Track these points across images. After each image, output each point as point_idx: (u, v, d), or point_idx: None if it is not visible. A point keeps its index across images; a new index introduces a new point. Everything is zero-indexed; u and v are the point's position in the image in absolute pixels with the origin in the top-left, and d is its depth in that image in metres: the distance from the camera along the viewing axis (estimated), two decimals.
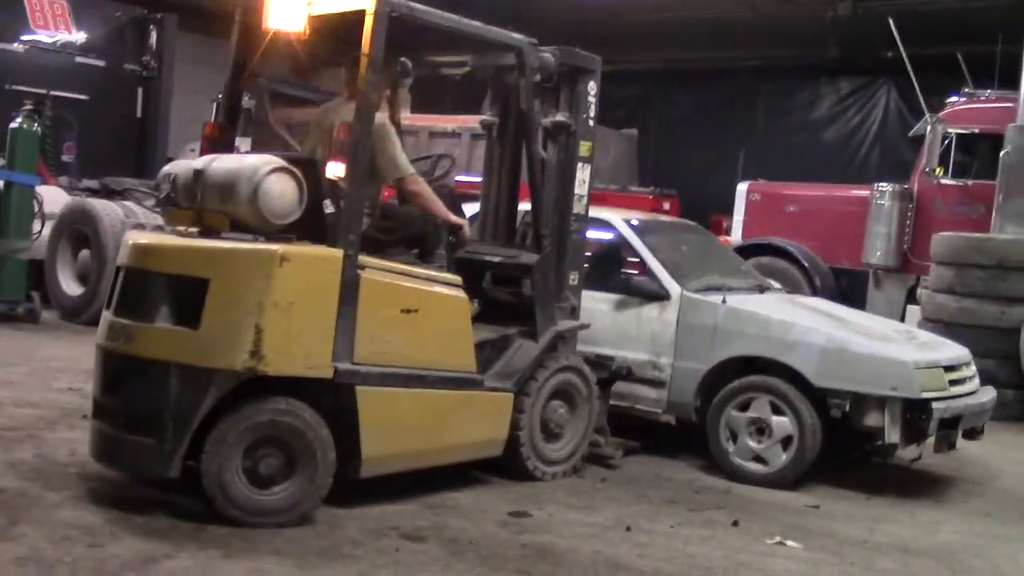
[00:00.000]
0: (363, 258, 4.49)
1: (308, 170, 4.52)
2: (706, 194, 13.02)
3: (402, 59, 5.53)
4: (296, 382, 4.29)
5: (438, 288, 4.86)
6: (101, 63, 12.15)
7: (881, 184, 10.67)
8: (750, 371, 5.85)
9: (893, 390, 5.56)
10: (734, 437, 5.80)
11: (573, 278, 5.72)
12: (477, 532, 4.41)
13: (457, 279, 4.98)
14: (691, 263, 6.66)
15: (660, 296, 6.13)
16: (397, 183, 5.04)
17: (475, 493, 5.02)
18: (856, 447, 6.02)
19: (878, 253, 10.51)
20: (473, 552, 4.15)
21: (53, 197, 9.74)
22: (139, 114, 12.33)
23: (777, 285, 7.33)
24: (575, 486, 5.35)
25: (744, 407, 5.79)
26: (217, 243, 4.40)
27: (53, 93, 11.26)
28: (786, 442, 5.66)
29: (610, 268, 6.66)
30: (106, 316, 4.53)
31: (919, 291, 9.88)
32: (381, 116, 4.95)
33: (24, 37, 11.79)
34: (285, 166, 4.39)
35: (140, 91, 12.29)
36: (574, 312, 5.72)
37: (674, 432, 6.51)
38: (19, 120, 9.17)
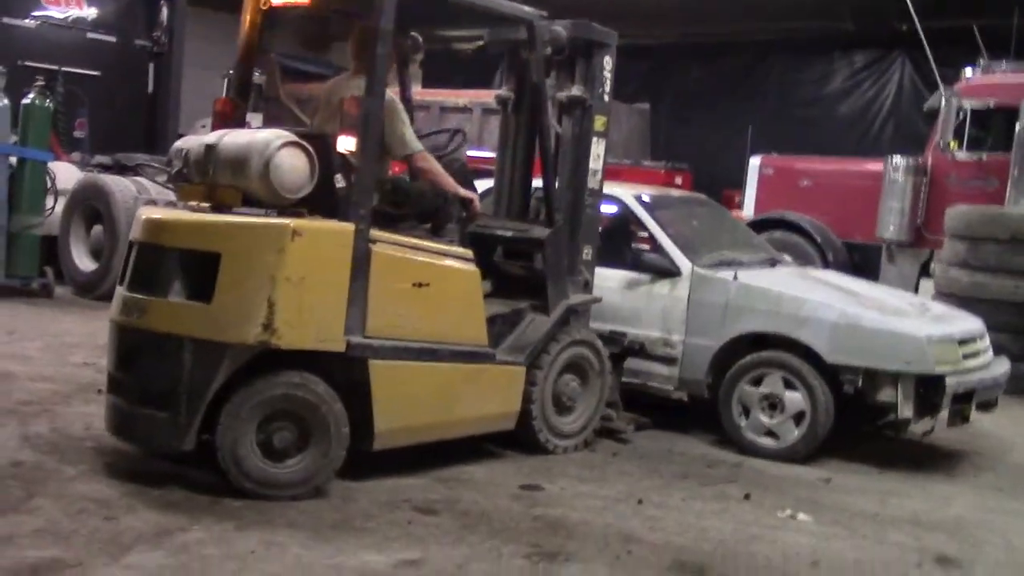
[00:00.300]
0: (374, 232, 4.49)
1: (319, 145, 4.52)
2: (719, 168, 12.96)
3: (412, 33, 5.53)
4: (309, 356, 4.31)
5: (449, 262, 4.86)
6: (112, 39, 12.13)
7: (895, 158, 10.59)
8: (762, 347, 5.84)
9: (906, 365, 5.54)
10: (746, 412, 5.80)
11: (587, 252, 5.72)
12: (489, 505, 4.43)
13: (468, 253, 4.98)
14: (702, 238, 6.64)
15: (671, 272, 6.12)
16: (406, 160, 5.02)
17: (488, 467, 5.04)
18: (869, 421, 6.02)
19: (891, 227, 10.45)
20: (485, 525, 4.18)
21: (66, 173, 9.77)
22: (150, 90, 12.33)
23: (789, 259, 7.29)
24: (587, 460, 5.37)
25: (757, 382, 5.79)
26: (229, 218, 4.41)
27: (65, 69, 11.27)
28: (798, 417, 5.66)
29: (620, 244, 6.64)
30: (120, 291, 4.55)
31: (933, 265, 9.83)
32: (389, 92, 4.92)
33: (36, 13, 11.79)
34: (296, 140, 4.38)
35: (151, 67, 12.28)
36: (587, 286, 5.72)
37: (686, 408, 6.51)
38: (31, 96, 9.18)
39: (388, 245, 4.56)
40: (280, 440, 4.25)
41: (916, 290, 9.81)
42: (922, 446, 6.23)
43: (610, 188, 7.16)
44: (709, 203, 7.67)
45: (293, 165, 4.34)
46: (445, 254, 4.86)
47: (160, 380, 4.26)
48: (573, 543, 4.06)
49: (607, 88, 5.70)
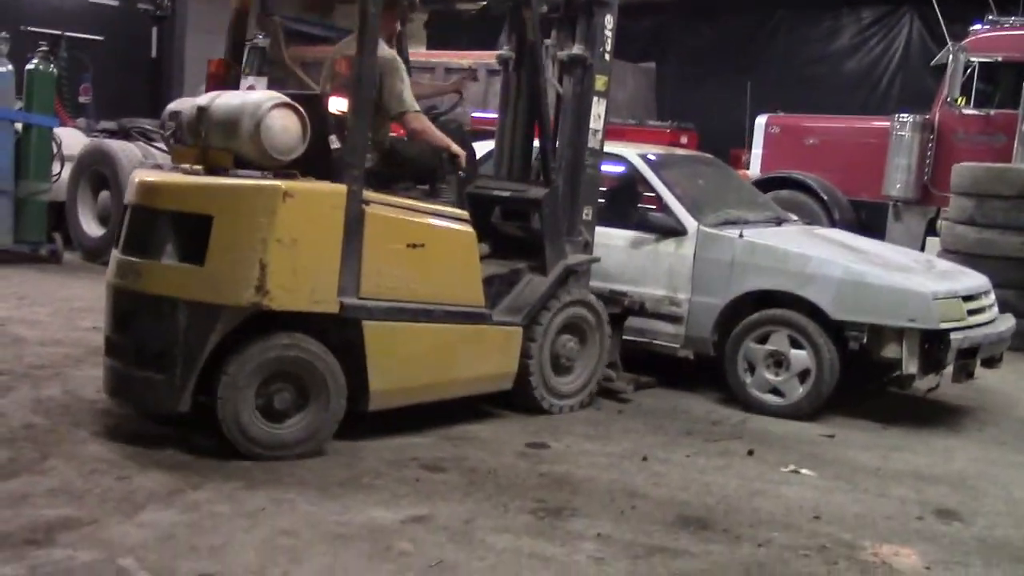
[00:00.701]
0: (368, 193, 4.50)
1: (313, 106, 4.52)
2: (725, 127, 12.87)
3: None
4: (304, 317, 4.34)
5: (445, 223, 4.86)
6: (115, 3, 12.11)
7: (901, 115, 10.53)
8: (768, 305, 5.86)
9: (911, 321, 5.56)
10: (752, 370, 5.83)
11: (587, 213, 5.70)
12: (496, 463, 4.49)
13: (464, 214, 4.97)
14: (708, 197, 6.64)
15: (677, 231, 6.13)
16: (398, 118, 4.99)
17: (494, 425, 5.10)
18: (874, 378, 6.05)
19: (898, 185, 10.42)
20: (492, 482, 4.24)
21: (71, 139, 9.78)
22: (154, 54, 12.31)
23: (795, 218, 7.29)
24: (592, 418, 5.42)
25: (762, 340, 5.82)
26: (221, 180, 4.41)
27: (68, 34, 11.25)
28: (803, 375, 5.70)
29: (626, 204, 6.64)
30: (115, 254, 4.58)
31: (939, 223, 9.81)
32: (391, 51, 4.94)
33: None
34: (288, 102, 4.38)
35: (154, 31, 12.25)
36: (587, 247, 5.71)
37: (692, 367, 6.54)
38: (35, 62, 9.18)
39: (382, 206, 4.56)
40: (280, 401, 4.29)
41: (923, 247, 9.79)
42: (927, 402, 6.27)
43: (616, 148, 7.16)
44: (715, 162, 7.66)
45: (284, 126, 4.33)
46: (440, 215, 4.85)
47: (155, 342, 4.29)
48: (578, 499, 4.11)
49: (608, 47, 5.67)
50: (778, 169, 11.14)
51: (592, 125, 5.66)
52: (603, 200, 7.10)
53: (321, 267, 4.34)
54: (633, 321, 6.17)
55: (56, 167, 9.28)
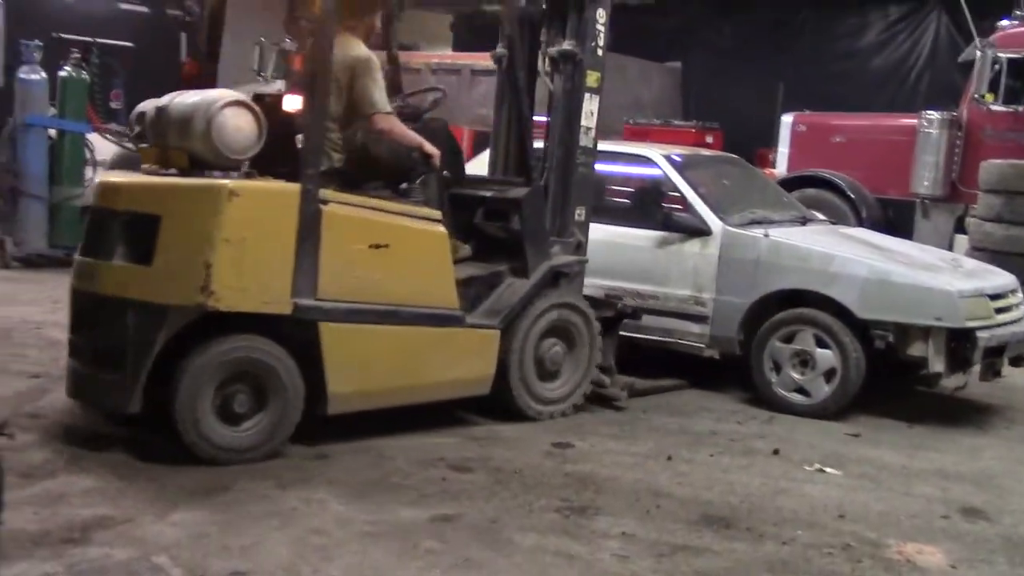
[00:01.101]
0: (327, 193, 4.41)
1: (274, 105, 4.48)
2: (751, 126, 12.84)
3: None
4: (261, 318, 4.27)
5: (413, 223, 4.74)
6: (144, 9, 12.26)
7: (928, 112, 10.47)
8: (793, 304, 5.87)
9: (937, 320, 5.56)
10: (777, 369, 5.84)
11: (579, 213, 5.56)
12: (521, 462, 4.54)
13: (436, 213, 4.85)
14: (732, 197, 6.66)
15: (701, 231, 6.15)
16: (368, 119, 4.85)
17: (519, 425, 5.14)
18: (900, 377, 6.04)
19: (925, 182, 10.36)
20: (518, 481, 4.29)
21: (103, 144, 9.92)
22: (183, 59, 12.43)
23: (821, 217, 7.29)
24: (617, 418, 5.45)
25: (788, 339, 5.83)
26: (168, 179, 4.39)
27: (99, 41, 11.40)
28: (829, 374, 5.70)
29: (651, 204, 6.67)
30: (76, 257, 4.61)
31: (967, 220, 9.74)
32: (365, 50, 4.87)
33: None
34: (242, 100, 4.33)
35: (183, 37, 12.37)
36: (580, 248, 5.57)
37: (718, 366, 6.56)
38: (67, 69, 9.33)
39: (341, 206, 4.45)
40: (238, 404, 4.24)
41: (951, 245, 9.74)
42: (954, 401, 6.25)
43: (641, 148, 7.21)
44: (739, 162, 7.67)
45: (237, 125, 4.27)
46: (409, 215, 4.73)
47: (108, 343, 4.29)
48: (603, 498, 4.16)
49: (601, 42, 5.51)
50: (805, 168, 11.10)
51: (584, 122, 5.51)
52: (628, 200, 7.18)
53: (272, 267, 4.26)
54: (658, 321, 6.21)
55: (89, 172, 9.42)
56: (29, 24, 10.66)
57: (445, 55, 16.98)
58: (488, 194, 5.47)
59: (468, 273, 5.10)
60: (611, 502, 4.11)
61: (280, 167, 4.42)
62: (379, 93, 4.83)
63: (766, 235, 6.00)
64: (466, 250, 5.25)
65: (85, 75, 9.58)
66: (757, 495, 4.32)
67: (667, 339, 6.30)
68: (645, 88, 14.20)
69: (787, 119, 11.65)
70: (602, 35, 5.52)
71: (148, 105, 4.75)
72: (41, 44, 9.15)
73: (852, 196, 10.71)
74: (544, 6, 5.54)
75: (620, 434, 5.14)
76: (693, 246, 6.17)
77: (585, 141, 5.54)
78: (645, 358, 6.32)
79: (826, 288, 5.76)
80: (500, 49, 5.86)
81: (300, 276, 4.31)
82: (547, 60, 5.59)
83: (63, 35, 11.04)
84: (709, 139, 12.41)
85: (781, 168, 11.47)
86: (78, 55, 9.60)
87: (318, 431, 4.53)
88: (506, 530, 3.74)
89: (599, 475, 4.43)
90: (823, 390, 5.72)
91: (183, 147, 4.40)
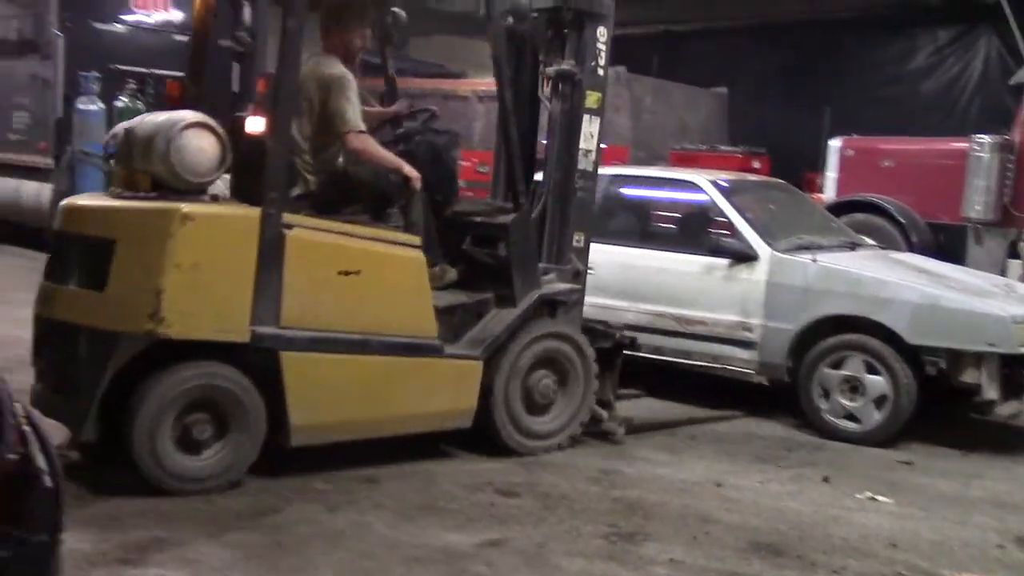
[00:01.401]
0: (293, 217, 4.28)
1: (240, 127, 4.40)
2: (798, 151, 12.78)
3: (394, 8, 5.28)
4: (225, 346, 4.15)
5: (388, 248, 4.57)
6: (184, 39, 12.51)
7: (979, 135, 10.33)
8: (843, 329, 5.82)
9: (990, 346, 5.49)
10: (827, 395, 5.80)
11: (578, 240, 5.35)
12: (569, 487, 4.54)
13: (414, 239, 4.68)
14: (780, 222, 6.64)
15: (749, 257, 6.13)
16: (340, 139, 4.70)
17: (567, 451, 5.14)
18: (953, 403, 5.96)
19: (977, 207, 10.20)
20: (565, 506, 4.29)
21: None
22: (235, 89, 12.68)
23: (870, 242, 7.23)
24: (665, 443, 5.44)
25: (837, 365, 5.78)
26: (126, 203, 4.30)
27: (154, 72, 11.68)
28: (880, 401, 5.64)
29: (697, 230, 6.68)
30: (40, 283, 4.52)
31: (1020, 245, 9.59)
32: (340, 68, 4.73)
33: (125, 18, 12.23)
34: (204, 122, 4.25)
35: (235, 67, 12.62)
36: (578, 277, 5.35)
37: (766, 392, 6.52)
38: (124, 99, 9.57)
39: (307, 230, 4.30)
40: (197, 432, 4.11)
41: (1003, 271, 9.58)
42: (1008, 428, 6.15)
43: (687, 174, 7.22)
44: (787, 187, 7.64)
45: (199, 147, 4.19)
46: (384, 240, 4.57)
47: (64, 370, 4.26)
48: (651, 524, 4.14)
49: (602, 61, 5.29)
50: (854, 192, 11.00)
51: (583, 145, 5.30)
52: (674, 226, 7.18)
53: (229, 294, 4.13)
54: (705, 347, 6.19)
55: None
56: (87, 56, 10.95)
57: (492, 82, 17.13)
58: (477, 218, 5.27)
59: (453, 300, 4.93)
60: (659, 528, 4.10)
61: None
62: (352, 111, 4.67)
63: (814, 260, 5.97)
64: (452, 275, 5.05)
65: (141, 105, 9.82)
66: (807, 523, 4.27)
67: (714, 365, 6.29)
68: (691, 114, 14.21)
69: (835, 144, 11.56)
70: (603, 54, 5.30)
71: (121, 126, 4.68)
72: (99, 75, 9.39)
73: (902, 221, 10.58)
74: (546, 25, 5.33)
75: (668, 460, 5.12)
76: (740, 271, 6.15)
77: (584, 164, 5.34)
78: (693, 384, 6.31)
79: (876, 314, 5.71)
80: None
81: (261, 303, 4.16)
82: (545, 80, 5.40)
83: (120, 66, 11.33)
84: (756, 164, 12.37)
85: (829, 193, 11.37)
86: (134, 86, 9.85)
87: (367, 455, 4.57)
88: (553, 555, 3.74)
89: (647, 501, 4.42)
90: (874, 417, 5.66)
91: (147, 169, 4.30)
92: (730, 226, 6.34)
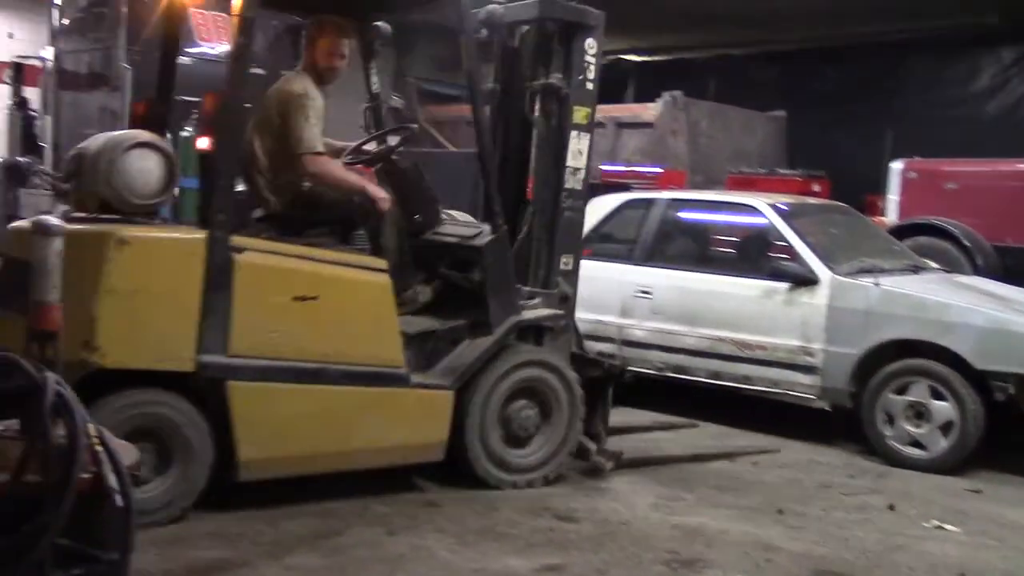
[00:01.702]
0: (243, 240, 4.10)
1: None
2: (858, 174, 12.63)
3: (377, 23, 5.11)
4: (173, 375, 3.97)
5: (350, 272, 4.34)
6: (261, 71, 12.75)
7: None
8: (907, 354, 5.73)
9: None
10: (891, 421, 5.70)
11: (566, 262, 5.07)
12: (629, 513, 4.51)
13: (380, 262, 4.46)
14: (841, 246, 6.57)
15: (809, 280, 6.07)
16: (297, 159, 4.49)
17: (627, 476, 5.11)
18: (1022, 429, 5.81)
19: None
20: (625, 532, 4.26)
21: None
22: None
23: (934, 265, 7.12)
24: (726, 470, 5.38)
25: (902, 391, 5.69)
26: (67, 226, 3.93)
27: None
28: (946, 427, 5.53)
29: (757, 254, 6.63)
30: None
31: None
32: (302, 86, 4.58)
33: (190, 50, 12.52)
34: (151, 142, 4.12)
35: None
36: (566, 301, 5.07)
37: (828, 418, 6.43)
38: (189, 129, 9.77)
39: (258, 254, 4.08)
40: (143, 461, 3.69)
41: None
42: None
43: (745, 197, 7.19)
44: (848, 211, 7.56)
45: (142, 168, 4.06)
46: (345, 263, 4.35)
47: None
48: (712, 551, 4.10)
49: (590, 75, 5.03)
50: (916, 215, 10.84)
51: (571, 163, 5.03)
52: (733, 250, 7.14)
53: (171, 322, 3.92)
54: (765, 371, 6.13)
55: None
56: (153, 87, 11.21)
57: None
58: (452, 240, 4.96)
59: (425, 326, 4.70)
60: (720, 556, 4.05)
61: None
62: (308, 132, 4.47)
63: (877, 284, 5.89)
64: (426, 296, 4.84)
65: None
66: (873, 551, 4.20)
67: (773, 390, 6.22)
68: (749, 138, 14.13)
69: (897, 166, 11.41)
70: (592, 68, 5.04)
71: (78, 147, 4.52)
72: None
73: (967, 244, 10.38)
74: (533, 38, 5.09)
75: (729, 486, 5.06)
76: (801, 295, 6.08)
77: (572, 183, 5.06)
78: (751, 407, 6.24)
79: (941, 338, 5.61)
80: (492, 84, 5.35)
81: (207, 331, 3.95)
82: (531, 95, 5.12)
83: (185, 97, 11.58)
84: (816, 187, 12.24)
85: (891, 216, 11.22)
86: (198, 116, 10.05)
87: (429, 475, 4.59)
88: None
89: (708, 528, 4.37)
90: (940, 444, 5.55)
91: (94, 191, 4.16)
92: (790, 250, 6.29)
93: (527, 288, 4.99)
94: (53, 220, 2.89)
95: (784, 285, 6.14)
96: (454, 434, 4.62)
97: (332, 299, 4.25)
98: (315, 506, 4.36)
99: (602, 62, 5.12)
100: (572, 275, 5.12)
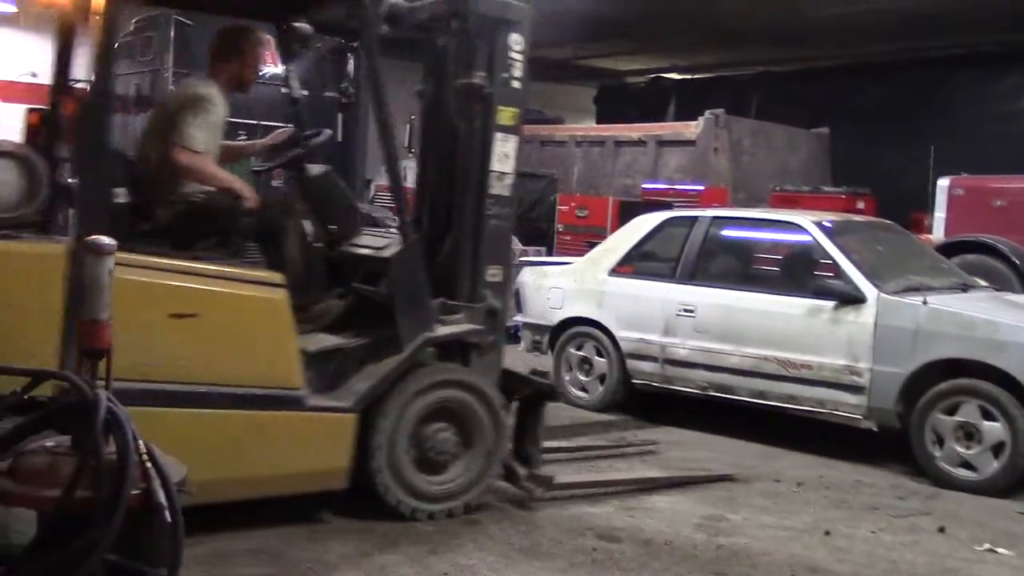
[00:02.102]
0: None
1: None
2: (903, 191, 12.51)
3: (298, 24, 4.84)
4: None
5: (237, 288, 4.02)
6: (304, 92, 12.92)
7: None
8: (956, 374, 5.63)
9: None
10: (940, 442, 5.60)
11: (494, 274, 4.73)
12: (672, 534, 4.47)
13: (273, 276, 4.17)
14: (888, 264, 6.50)
15: (856, 299, 6.00)
16: (171, 150, 4.26)
17: (671, 496, 5.07)
18: None
19: None
20: (668, 553, 4.23)
21: None
22: (339, 139, 13.04)
23: (983, 283, 7.01)
24: (771, 490, 5.32)
25: (951, 411, 5.59)
26: None
27: (263, 123, 12.09)
28: (997, 448, 5.43)
29: (802, 272, 6.58)
30: None
31: None
32: (206, 89, 4.46)
33: None
34: (13, 151, 3.93)
35: (340, 117, 12.98)
36: (494, 316, 4.72)
37: (875, 438, 6.33)
38: None
39: (129, 269, 3.68)
40: None
41: None
42: None
43: (789, 215, 7.14)
44: (894, 228, 7.48)
45: (1, 180, 3.87)
46: (231, 278, 4.02)
47: None
48: (757, 572, 4.05)
49: (516, 73, 4.71)
50: (964, 233, 10.70)
51: (496, 167, 4.69)
52: (777, 268, 7.09)
53: (25, 343, 3.59)
54: (810, 391, 6.06)
55: None
56: None
57: (589, 127, 17.28)
58: (363, 252, 4.66)
59: (329, 344, 4.41)
60: None
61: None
62: (195, 130, 4.27)
63: (924, 302, 5.81)
64: (338, 310, 4.61)
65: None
66: (923, 574, 4.13)
67: (819, 410, 6.15)
68: (792, 155, 14.07)
69: (943, 183, 11.29)
70: (519, 65, 4.72)
71: None
72: None
73: (1016, 262, 10.23)
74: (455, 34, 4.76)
75: (774, 507, 5.00)
76: (847, 314, 6.01)
77: (499, 189, 4.71)
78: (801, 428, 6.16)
79: (991, 357, 5.51)
80: (420, 84, 5.11)
81: (69, 352, 3.56)
82: (454, 95, 4.77)
83: (232, 119, 11.76)
84: (860, 205, 12.15)
85: (938, 233, 11.09)
86: (244, 136, 10.20)
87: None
88: None
89: (753, 549, 4.32)
90: (991, 465, 5.44)
91: None
92: (835, 267, 6.23)
93: (454, 302, 4.65)
94: (105, 239, 2.90)
95: (830, 303, 6.07)
96: (361, 460, 4.29)
97: (215, 316, 3.94)
98: (357, 523, 4.37)
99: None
100: (501, 287, 4.79)
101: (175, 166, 4.27)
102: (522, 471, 4.78)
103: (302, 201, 4.71)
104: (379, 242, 4.65)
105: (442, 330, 4.54)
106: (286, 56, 5.00)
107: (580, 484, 5.12)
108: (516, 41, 4.70)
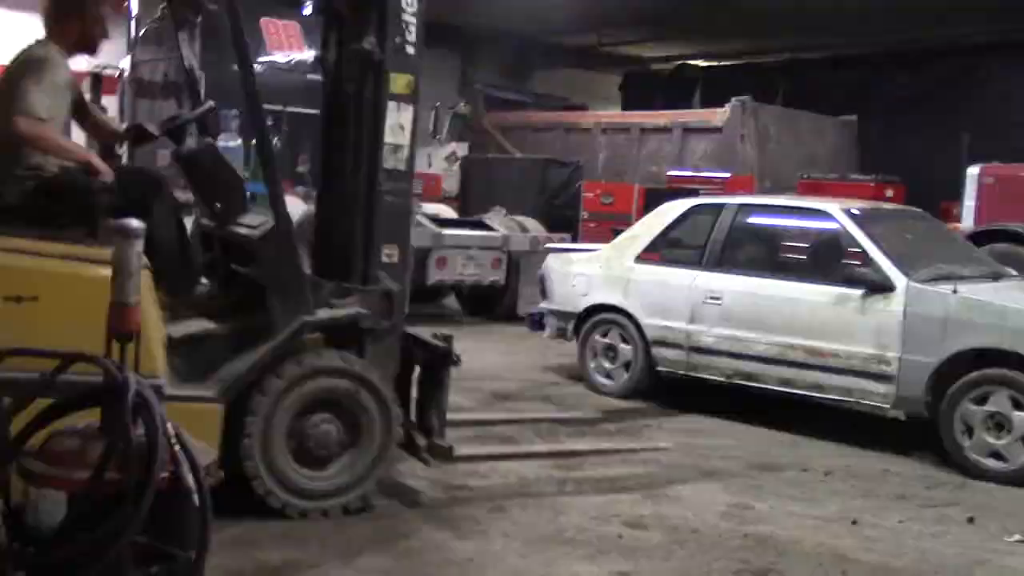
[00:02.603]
0: None
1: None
2: (932, 179, 12.39)
3: None
4: None
5: (84, 269, 3.64)
6: (319, 78, 12.98)
7: None
8: (986, 363, 5.57)
9: None
10: (970, 432, 5.54)
11: (389, 254, 4.47)
12: (698, 522, 4.45)
13: None
14: (917, 252, 6.43)
15: (884, 287, 5.94)
16: (11, 121, 3.86)
17: (696, 484, 5.05)
18: None
19: None
20: (694, 541, 4.21)
21: (291, 206, 10.47)
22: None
23: (1014, 272, 6.92)
24: (798, 479, 5.28)
25: (981, 401, 5.53)
26: None
27: (289, 109, 12.13)
28: None
29: (830, 259, 6.51)
30: None
31: None
32: (44, 51, 4.05)
33: (262, 59, 12.77)
34: None
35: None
36: (388, 298, 4.40)
37: (903, 427, 6.28)
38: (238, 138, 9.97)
39: None
40: None
41: None
42: None
43: (818, 202, 7.07)
44: (924, 216, 7.40)
45: None
46: (79, 258, 3.67)
47: None
48: (784, 561, 4.03)
49: (410, 38, 4.43)
50: (994, 221, 10.59)
51: (389, 139, 4.41)
52: (804, 256, 7.03)
53: None
54: (837, 379, 6.01)
55: None
56: (226, 94, 11.43)
57: (615, 114, 17.21)
58: (242, 231, 4.34)
59: (195, 330, 4.17)
60: (792, 566, 3.97)
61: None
62: (35, 95, 3.89)
63: (954, 291, 5.74)
64: (204, 291, 4.38)
65: (276, 141, 10.20)
66: (952, 565, 4.09)
67: (846, 399, 6.10)
68: (819, 143, 13.96)
69: (973, 171, 11.17)
70: (412, 28, 4.43)
71: None
72: (237, 113, 9.80)
73: None
74: None
75: (801, 496, 4.97)
76: (875, 302, 5.95)
77: (393, 163, 4.43)
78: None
79: (1022, 346, 5.45)
80: (317, 53, 4.84)
81: None
82: (344, 62, 4.46)
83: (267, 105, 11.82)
84: (889, 193, 12.04)
85: (967, 222, 10.99)
86: (270, 123, 10.24)
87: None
88: None
89: (779, 537, 4.30)
90: (1022, 455, 5.38)
91: None
92: (864, 256, 6.17)
93: (347, 284, 4.37)
94: (134, 222, 2.88)
95: (858, 291, 6.02)
96: (232, 452, 4.00)
97: (59, 300, 3.61)
98: (383, 509, 4.37)
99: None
100: (399, 268, 4.51)
101: (17, 136, 3.90)
102: (422, 441, 4.52)
103: (185, 178, 4.39)
104: (257, 220, 4.35)
105: (322, 314, 4.24)
106: (177, 24, 4.57)
107: (482, 456, 4.93)
108: (409, 3, 4.41)
